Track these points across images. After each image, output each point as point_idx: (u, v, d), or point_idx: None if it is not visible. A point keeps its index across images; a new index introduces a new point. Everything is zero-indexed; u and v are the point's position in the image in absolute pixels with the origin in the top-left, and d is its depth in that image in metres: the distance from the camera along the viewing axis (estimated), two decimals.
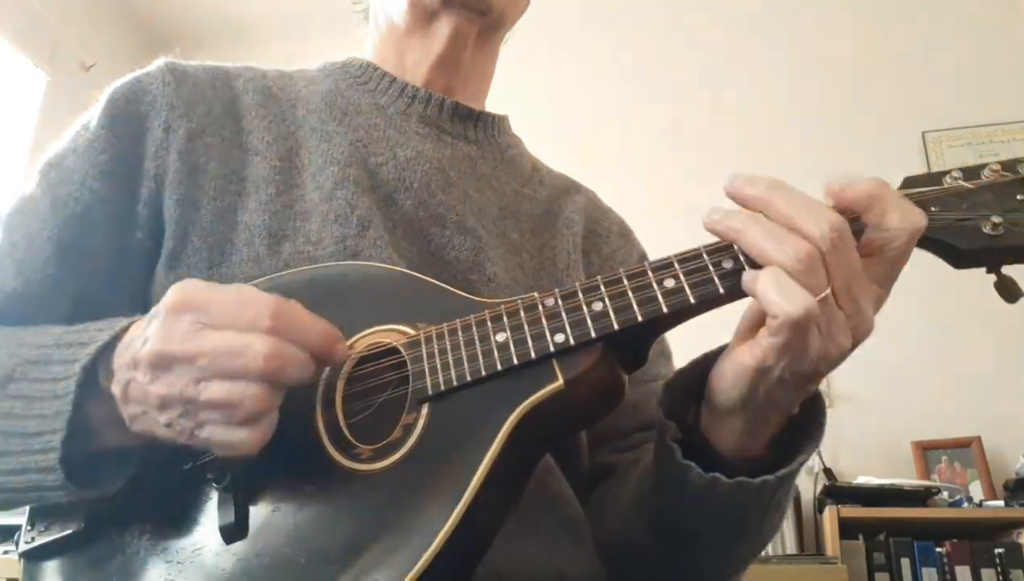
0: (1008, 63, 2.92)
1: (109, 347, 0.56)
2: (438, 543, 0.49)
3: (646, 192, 2.81)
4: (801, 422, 0.59)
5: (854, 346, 0.52)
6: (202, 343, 0.50)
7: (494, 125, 0.91)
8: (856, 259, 0.50)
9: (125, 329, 0.56)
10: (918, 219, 0.51)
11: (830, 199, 0.53)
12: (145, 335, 0.52)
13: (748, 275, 0.51)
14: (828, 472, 2.44)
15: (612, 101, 3.24)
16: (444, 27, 0.83)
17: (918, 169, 2.97)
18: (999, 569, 2.09)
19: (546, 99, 2.99)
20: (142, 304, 0.72)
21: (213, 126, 0.76)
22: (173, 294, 0.53)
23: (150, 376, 0.51)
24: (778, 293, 0.48)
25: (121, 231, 0.72)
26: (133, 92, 0.76)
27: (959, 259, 0.54)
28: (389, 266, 0.68)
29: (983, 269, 0.54)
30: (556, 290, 0.57)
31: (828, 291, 0.49)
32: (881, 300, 0.53)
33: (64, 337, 0.59)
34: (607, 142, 3.10)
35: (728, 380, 0.55)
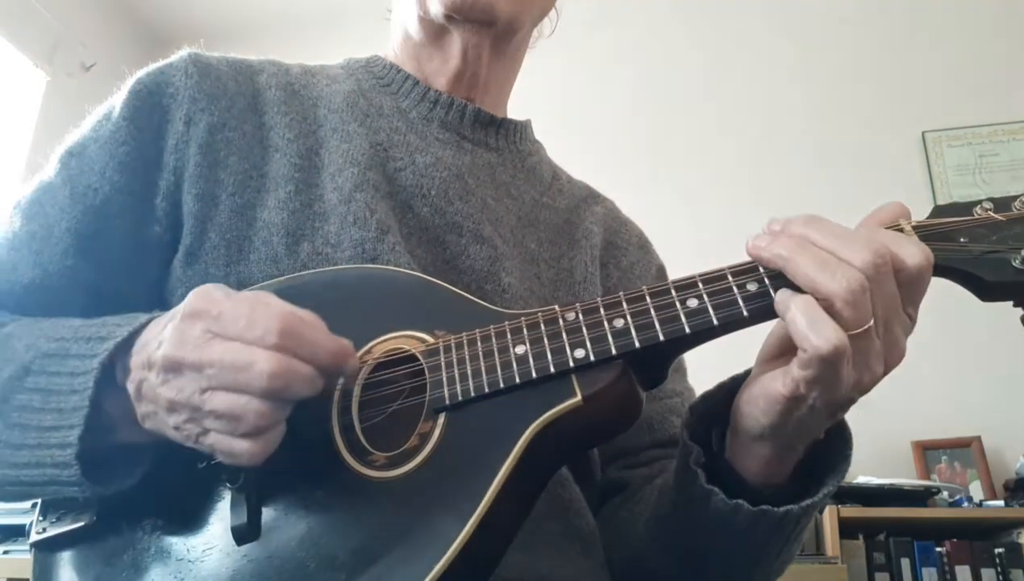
0: (1008, 63, 2.92)
1: (127, 343, 0.56)
2: (450, 555, 0.49)
3: (645, 193, 2.81)
4: (824, 449, 0.59)
5: (886, 373, 0.52)
6: (210, 353, 0.50)
7: (516, 132, 0.90)
8: (895, 290, 0.50)
9: (144, 325, 0.57)
10: (927, 257, 0.50)
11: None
12: (160, 338, 0.53)
13: (782, 299, 0.50)
14: None
15: (611, 102, 3.24)
16: (454, 42, 0.83)
17: (918, 169, 2.99)
18: (999, 569, 2.09)
19: (550, 99, 2.99)
20: (159, 298, 0.72)
21: (234, 120, 0.76)
22: (191, 299, 0.53)
23: (161, 378, 0.52)
24: (809, 326, 0.48)
25: (139, 224, 0.72)
26: (156, 83, 0.75)
27: (986, 292, 0.53)
28: (409, 271, 0.68)
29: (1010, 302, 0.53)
30: (577, 305, 0.57)
31: (871, 323, 0.48)
32: (910, 327, 0.53)
33: (82, 330, 0.59)
34: (608, 144, 3.09)
35: (759, 407, 0.54)
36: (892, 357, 0.52)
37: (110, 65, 3.31)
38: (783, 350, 0.54)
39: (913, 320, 0.53)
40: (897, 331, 0.51)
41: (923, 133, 2.91)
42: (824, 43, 3.13)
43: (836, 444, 0.59)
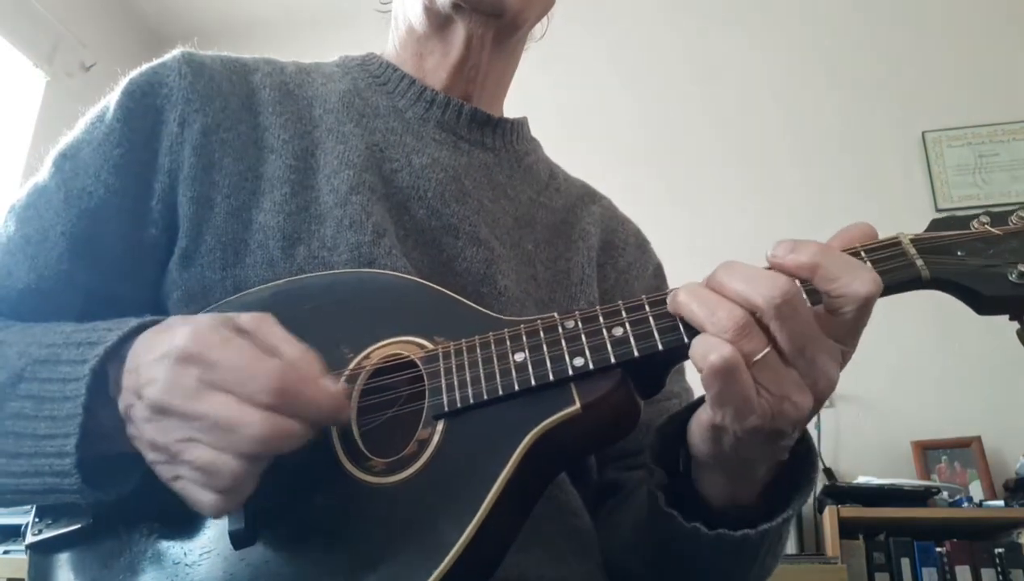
0: (1008, 63, 2.92)
1: (117, 349, 0.56)
2: (448, 561, 0.49)
3: (644, 192, 2.81)
4: (793, 468, 0.59)
5: (818, 402, 0.52)
6: (201, 407, 0.49)
7: (512, 131, 0.90)
8: (808, 320, 0.50)
9: (135, 330, 0.56)
10: (866, 288, 0.50)
11: (773, 266, 0.52)
12: (153, 374, 0.52)
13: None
14: (828, 472, 2.44)
15: (608, 105, 3.24)
16: (459, 32, 0.82)
17: (918, 169, 2.99)
18: (999, 569, 2.09)
19: (548, 102, 2.99)
20: (155, 300, 0.72)
21: (229, 121, 0.75)
22: (187, 339, 0.51)
23: (147, 415, 0.51)
24: (701, 347, 0.50)
25: (135, 227, 0.71)
26: (149, 84, 0.74)
27: (982, 305, 0.53)
28: (407, 276, 0.68)
29: (1007, 316, 0.54)
30: (576, 313, 0.57)
31: (766, 350, 0.49)
32: (847, 355, 0.53)
33: (73, 336, 0.59)
34: (605, 147, 3.09)
35: (697, 436, 0.56)
36: (819, 386, 0.51)
37: (110, 65, 3.29)
38: None
39: (851, 347, 0.53)
40: (821, 361, 0.51)
41: (923, 133, 2.91)
42: (824, 43, 3.13)
43: (803, 464, 0.60)
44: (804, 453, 0.59)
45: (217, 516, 0.51)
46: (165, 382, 0.51)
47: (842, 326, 0.51)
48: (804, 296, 0.50)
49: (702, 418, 0.54)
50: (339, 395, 0.53)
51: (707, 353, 0.49)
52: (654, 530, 0.64)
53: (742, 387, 0.49)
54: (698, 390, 0.68)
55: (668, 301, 0.54)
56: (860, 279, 0.50)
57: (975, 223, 0.54)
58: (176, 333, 0.53)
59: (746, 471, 0.57)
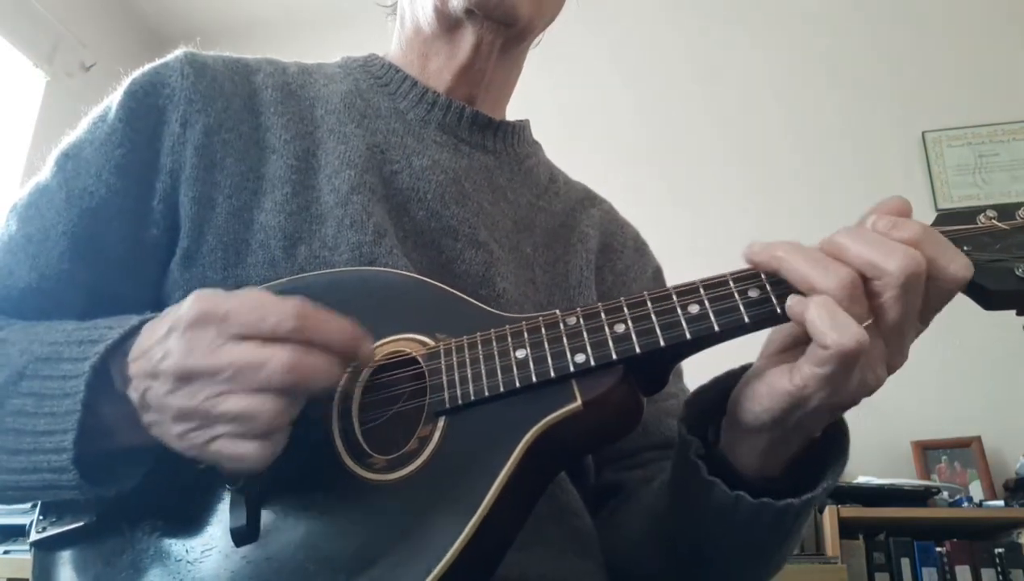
0: (1008, 63, 2.92)
1: (119, 345, 0.56)
2: (449, 558, 0.49)
3: (645, 192, 2.81)
4: (821, 444, 0.59)
5: (888, 375, 0.52)
6: (224, 357, 0.50)
7: (513, 134, 0.90)
8: (920, 299, 0.50)
9: (136, 328, 0.56)
10: (963, 272, 0.50)
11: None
12: (166, 348, 0.52)
13: (795, 301, 0.50)
14: None
15: (608, 101, 3.24)
16: (468, 37, 0.82)
17: (918, 169, 2.99)
18: (999, 569, 2.09)
19: (547, 104, 2.99)
20: (156, 300, 0.72)
21: (231, 121, 0.75)
22: (193, 305, 0.52)
23: (170, 387, 0.51)
24: (832, 325, 0.47)
25: (137, 227, 0.72)
26: (151, 84, 0.74)
27: (989, 300, 0.52)
28: (408, 274, 0.68)
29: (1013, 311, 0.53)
30: (578, 309, 0.56)
31: (870, 322, 0.48)
32: (918, 335, 0.53)
33: (75, 334, 0.59)
34: (605, 149, 3.09)
35: (761, 403, 0.54)
36: (895, 361, 0.52)
37: (110, 65, 3.31)
38: (791, 346, 0.54)
39: (926, 327, 0.53)
40: (909, 338, 0.51)
41: (923, 133, 2.91)
42: (825, 43, 3.13)
43: (833, 440, 0.59)
44: (830, 428, 0.58)
45: (260, 465, 0.51)
46: (182, 348, 0.51)
47: (927, 305, 0.51)
48: None
49: (778, 386, 0.52)
50: (356, 327, 0.53)
51: (837, 332, 0.47)
52: (682, 511, 0.64)
53: (856, 367, 0.48)
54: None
55: (753, 251, 0.52)
56: (956, 262, 0.50)
57: (982, 217, 0.54)
58: (177, 310, 0.53)
59: (793, 438, 0.56)
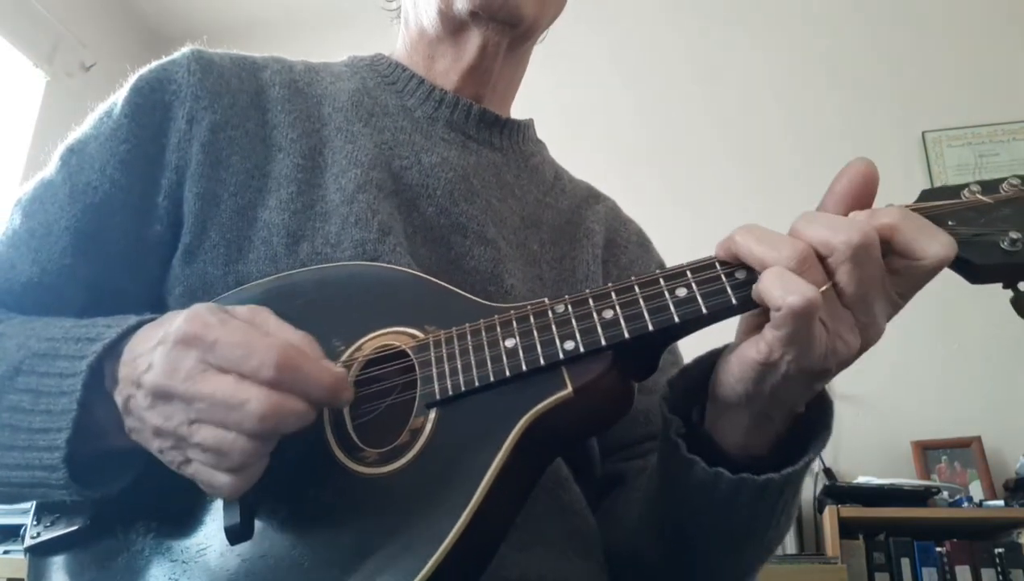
0: (1008, 63, 2.92)
1: (115, 346, 0.56)
2: (444, 549, 0.49)
3: (645, 192, 2.81)
4: (807, 422, 0.59)
5: (863, 348, 0.52)
6: (202, 387, 0.50)
7: (519, 132, 0.90)
8: (879, 269, 0.50)
9: (133, 328, 0.56)
10: (944, 251, 0.50)
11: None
12: (151, 359, 0.52)
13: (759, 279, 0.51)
14: (828, 472, 2.44)
15: (608, 102, 3.24)
16: (474, 39, 0.82)
17: (918, 169, 2.99)
18: (999, 569, 2.09)
19: (548, 103, 2.99)
20: (158, 296, 0.72)
21: (237, 118, 0.75)
22: (184, 324, 0.52)
23: (149, 402, 0.51)
24: (781, 286, 0.48)
25: (139, 223, 0.71)
26: (158, 80, 0.74)
27: (975, 275, 0.53)
28: (398, 267, 0.68)
29: (999, 284, 0.53)
30: (566, 297, 0.56)
31: (828, 285, 0.49)
32: (897, 309, 0.53)
33: (72, 331, 0.59)
34: (606, 148, 3.09)
35: (734, 374, 0.54)
36: (869, 334, 0.52)
37: (110, 65, 3.31)
38: (759, 323, 0.54)
39: (903, 302, 0.53)
40: (876, 309, 0.51)
41: (923, 133, 2.91)
42: (825, 43, 3.13)
43: (817, 414, 0.59)
44: (814, 404, 0.59)
45: (233, 498, 0.51)
46: (164, 365, 0.51)
47: (905, 283, 0.52)
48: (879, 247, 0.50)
49: (747, 356, 0.53)
50: (341, 375, 0.53)
51: (786, 293, 0.48)
52: (668, 492, 0.64)
53: (815, 328, 0.49)
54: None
55: (718, 244, 0.54)
56: (938, 242, 0.50)
57: (966, 192, 0.54)
58: (172, 320, 0.53)
59: (773, 412, 0.56)
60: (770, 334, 0.50)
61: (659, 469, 0.65)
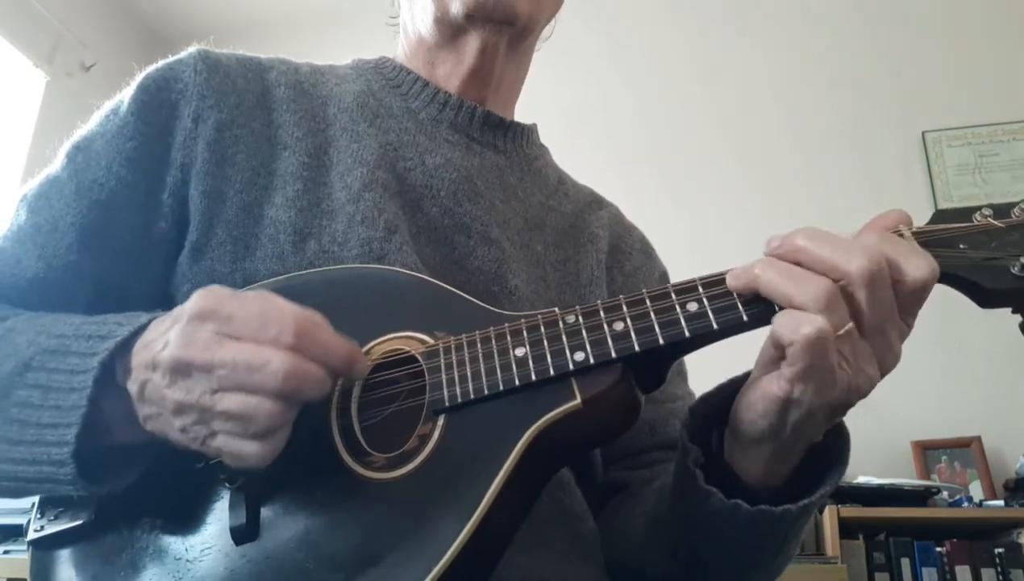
0: (1008, 63, 2.92)
1: (128, 343, 0.56)
2: (449, 556, 0.49)
3: (645, 192, 2.81)
4: (823, 448, 0.59)
5: (882, 376, 0.52)
6: (222, 354, 0.50)
7: (523, 135, 0.90)
8: (891, 294, 0.50)
9: (144, 326, 0.56)
10: (921, 272, 0.50)
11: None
12: (166, 338, 0.52)
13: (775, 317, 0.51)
14: None
15: (607, 101, 3.24)
16: (472, 42, 0.83)
17: (918, 169, 2.99)
18: (999, 569, 2.09)
19: (549, 106, 2.98)
20: (164, 294, 0.72)
21: (243, 117, 0.75)
22: (197, 300, 0.52)
23: (168, 380, 0.51)
24: (791, 324, 0.49)
25: (145, 220, 0.72)
26: (164, 79, 0.75)
27: (984, 298, 0.53)
28: (409, 271, 0.68)
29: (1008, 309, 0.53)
30: (577, 307, 0.57)
31: (850, 325, 0.49)
32: (906, 333, 0.53)
33: (83, 328, 0.59)
34: (606, 150, 3.09)
35: (756, 411, 0.55)
36: (886, 361, 0.52)
37: (110, 65, 3.31)
38: (779, 354, 0.54)
39: (910, 327, 0.53)
40: (892, 336, 0.51)
41: (923, 133, 2.91)
42: (824, 43, 3.13)
43: (834, 445, 0.59)
44: (832, 433, 0.59)
45: (261, 466, 0.51)
46: (181, 339, 0.51)
47: (902, 307, 0.52)
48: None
49: (769, 392, 0.53)
50: (356, 347, 0.54)
51: (799, 326, 0.48)
52: (682, 517, 0.64)
53: (830, 361, 0.49)
54: (699, 391, 0.68)
55: (733, 276, 0.53)
56: (914, 265, 0.50)
57: (977, 216, 0.54)
58: (185, 304, 0.53)
59: (795, 445, 0.56)
60: (788, 371, 0.51)
61: (674, 493, 0.65)
